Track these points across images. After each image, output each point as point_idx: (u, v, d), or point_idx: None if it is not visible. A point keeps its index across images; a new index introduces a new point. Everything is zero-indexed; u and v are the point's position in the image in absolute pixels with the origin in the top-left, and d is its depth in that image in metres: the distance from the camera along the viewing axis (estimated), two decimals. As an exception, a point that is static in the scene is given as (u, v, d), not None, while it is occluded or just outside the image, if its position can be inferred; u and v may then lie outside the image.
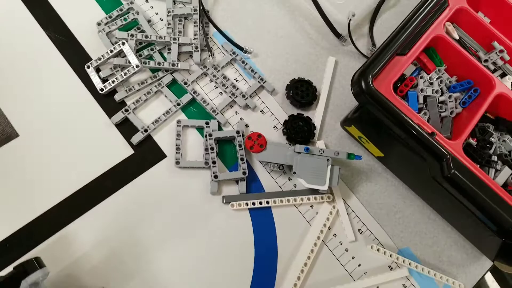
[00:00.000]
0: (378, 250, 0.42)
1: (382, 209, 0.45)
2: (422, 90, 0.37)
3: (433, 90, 0.38)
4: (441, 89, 0.38)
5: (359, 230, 0.44)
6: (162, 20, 0.47)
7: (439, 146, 0.33)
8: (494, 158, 0.36)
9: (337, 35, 0.50)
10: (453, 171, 0.32)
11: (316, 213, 0.43)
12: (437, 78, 0.38)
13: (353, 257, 0.42)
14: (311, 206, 0.43)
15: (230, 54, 0.47)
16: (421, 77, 0.38)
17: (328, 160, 0.41)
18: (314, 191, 0.43)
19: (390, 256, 0.42)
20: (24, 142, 0.40)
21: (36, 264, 0.31)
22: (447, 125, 0.37)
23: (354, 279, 0.42)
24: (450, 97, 0.38)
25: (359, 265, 0.42)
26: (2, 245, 0.37)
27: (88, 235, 0.39)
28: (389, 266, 0.43)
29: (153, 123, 0.43)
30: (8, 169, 0.39)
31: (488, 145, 0.36)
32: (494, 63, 0.41)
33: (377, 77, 0.35)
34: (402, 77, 0.38)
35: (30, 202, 0.39)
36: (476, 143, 0.37)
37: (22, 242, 0.37)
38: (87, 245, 0.38)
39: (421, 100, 0.37)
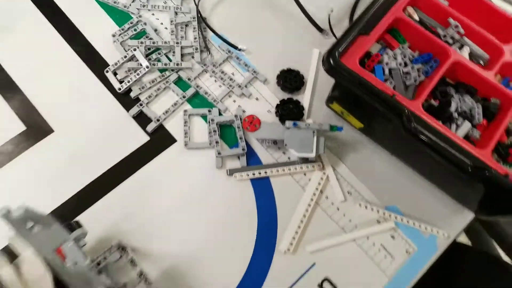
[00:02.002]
0: (366, 207, 0.48)
1: (367, 173, 0.51)
2: (387, 63, 0.44)
3: (397, 63, 0.44)
4: (404, 62, 0.45)
5: (348, 192, 0.50)
6: (166, 28, 0.55)
7: (399, 104, 0.39)
8: (455, 115, 0.42)
9: (320, 30, 0.57)
10: (413, 124, 0.38)
11: (309, 180, 0.49)
12: (401, 53, 0.45)
13: (344, 215, 0.48)
14: (304, 174, 0.50)
15: (226, 53, 0.54)
16: (386, 54, 0.45)
17: (313, 131, 0.47)
18: (306, 161, 0.49)
19: (378, 211, 0.48)
20: (59, 136, 0.49)
21: (77, 225, 0.39)
22: (410, 91, 0.44)
23: (346, 232, 0.48)
24: (412, 68, 0.44)
25: (350, 221, 0.48)
26: (54, 212, 0.45)
27: (117, 207, 0.46)
28: (377, 221, 0.49)
29: (163, 113, 0.50)
30: (48, 157, 0.47)
31: (449, 105, 0.42)
32: (452, 38, 0.47)
33: (345, 55, 0.41)
34: (369, 54, 0.45)
35: (71, 181, 0.46)
36: (438, 104, 0.43)
37: (65, 213, 0.45)
38: (118, 214, 0.45)
39: (386, 72, 0.44)
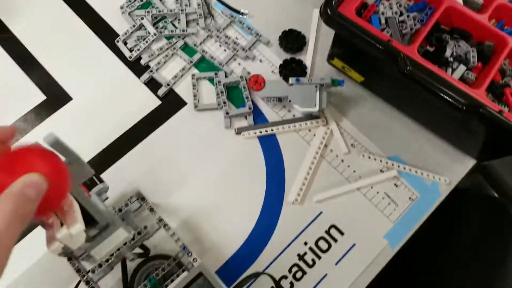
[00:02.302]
0: (369, 157, 0.50)
1: (370, 126, 0.52)
2: (383, 13, 0.45)
3: (392, 12, 0.45)
4: (400, 11, 0.46)
5: (352, 144, 0.52)
6: (171, -2, 0.58)
7: (394, 49, 0.41)
8: (451, 59, 0.44)
9: (319, -9, 0.59)
10: (409, 67, 0.40)
11: (314, 135, 0.52)
12: (396, 3, 0.46)
13: (348, 166, 0.51)
14: (309, 130, 0.52)
15: (229, 18, 0.56)
16: (382, 4, 0.46)
17: (316, 86, 0.49)
18: (310, 117, 0.52)
19: (381, 161, 0.50)
20: (77, 103, 0.52)
21: (98, 180, 0.42)
22: (406, 39, 0.45)
23: (351, 182, 0.50)
24: (408, 16, 0.45)
25: (354, 171, 0.50)
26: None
27: (135, 166, 0.49)
28: (381, 170, 0.51)
29: (173, 78, 0.53)
30: (69, 123, 0.51)
31: (444, 51, 0.44)
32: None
33: (342, 5, 0.43)
34: (365, 5, 0.46)
35: (91, 144, 0.50)
36: (433, 50, 0.44)
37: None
38: (136, 172, 0.49)
39: (382, 21, 0.45)
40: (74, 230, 0.27)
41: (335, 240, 0.48)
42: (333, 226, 0.48)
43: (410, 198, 0.50)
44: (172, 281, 0.38)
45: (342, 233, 0.48)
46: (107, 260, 0.38)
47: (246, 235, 0.48)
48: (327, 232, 0.48)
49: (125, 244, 0.37)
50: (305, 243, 0.48)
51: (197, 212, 0.48)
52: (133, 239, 0.39)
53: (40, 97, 0.52)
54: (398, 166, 0.50)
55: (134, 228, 0.40)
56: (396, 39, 0.44)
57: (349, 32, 0.42)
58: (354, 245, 0.48)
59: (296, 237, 0.48)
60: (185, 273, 0.38)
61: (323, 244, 0.48)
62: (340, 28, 0.43)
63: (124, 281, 0.44)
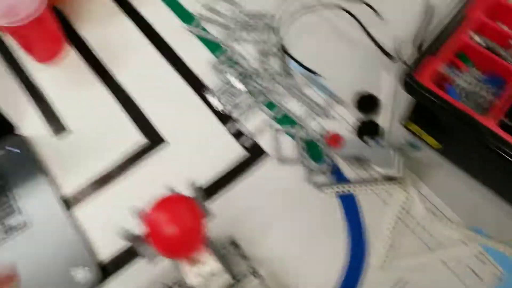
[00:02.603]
0: (450, 226, 0.52)
1: (449, 193, 0.54)
2: (457, 84, 0.50)
3: (467, 83, 0.50)
4: (474, 83, 0.50)
5: (431, 211, 0.53)
6: (254, 58, 0.63)
7: (476, 121, 0.45)
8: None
9: (389, 56, 0.64)
10: (491, 140, 0.44)
11: (392, 197, 0.54)
12: (470, 75, 0.51)
13: (427, 232, 0.52)
14: (387, 192, 0.55)
15: (307, 78, 0.62)
16: (456, 75, 0.51)
17: (394, 149, 0.53)
18: (388, 179, 0.55)
19: (462, 231, 0.52)
20: (171, 147, 0.58)
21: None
22: (481, 110, 0.49)
23: (431, 249, 0.51)
24: (481, 88, 0.50)
25: (434, 238, 0.52)
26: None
27: (220, 213, 0.51)
28: (462, 241, 0.51)
29: (257, 131, 0.58)
30: (164, 165, 0.56)
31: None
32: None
33: (420, 76, 0.47)
34: (441, 75, 0.51)
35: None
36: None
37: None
38: (220, 219, 0.49)
39: (458, 91, 0.50)
40: (216, 268, 0.31)
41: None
42: (416, 295, 0.50)
43: (495, 275, 0.50)
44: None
45: (425, 303, 0.49)
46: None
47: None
48: (410, 301, 0.50)
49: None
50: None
51: (279, 264, 0.51)
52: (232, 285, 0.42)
53: (139, 138, 0.58)
54: (480, 238, 0.52)
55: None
56: (475, 111, 0.48)
57: (430, 102, 0.47)
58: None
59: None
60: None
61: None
62: (421, 97, 0.47)
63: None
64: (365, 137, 0.56)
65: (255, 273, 0.45)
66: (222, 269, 0.31)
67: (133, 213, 0.31)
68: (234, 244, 0.47)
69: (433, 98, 0.47)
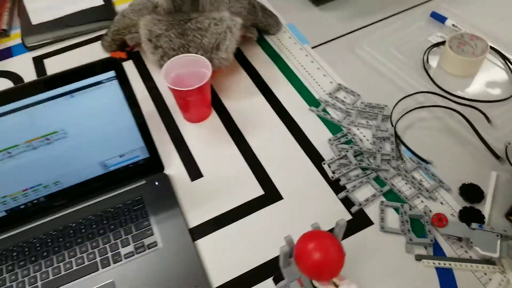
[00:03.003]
0: (550, 316, 0.52)
1: (549, 285, 0.55)
2: None
3: None
4: None
5: (529, 298, 0.55)
6: (368, 140, 0.73)
7: None
8: None
9: (497, 157, 0.69)
10: None
11: (490, 279, 0.56)
12: None
13: (526, 318, 0.53)
14: (485, 274, 0.57)
15: (416, 164, 0.69)
16: None
17: (497, 235, 0.56)
18: (487, 262, 0.57)
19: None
20: (286, 203, 0.66)
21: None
22: None
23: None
24: None
25: (532, 326, 0.52)
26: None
27: None
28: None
29: (364, 201, 0.65)
30: (277, 216, 0.65)
31: None
32: None
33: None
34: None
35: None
36: None
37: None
38: None
39: None
40: (353, 287, 0.37)
41: None
42: None
43: None
44: None
45: None
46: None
47: None
48: None
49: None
50: None
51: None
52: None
53: (259, 191, 0.68)
54: None
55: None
56: None
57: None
58: None
59: None
60: None
61: None
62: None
63: None
64: (467, 222, 0.59)
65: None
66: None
67: (286, 240, 0.39)
68: None
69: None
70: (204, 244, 0.63)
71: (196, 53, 0.74)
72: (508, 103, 0.75)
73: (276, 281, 0.52)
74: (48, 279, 0.60)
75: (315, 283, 0.39)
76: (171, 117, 0.80)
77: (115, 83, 0.59)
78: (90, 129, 0.62)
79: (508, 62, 0.81)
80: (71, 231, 0.65)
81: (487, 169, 0.68)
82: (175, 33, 0.72)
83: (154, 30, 0.73)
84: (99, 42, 0.93)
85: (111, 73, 0.58)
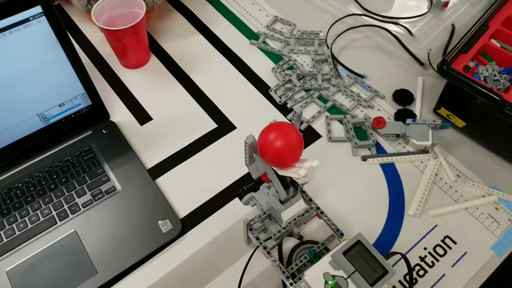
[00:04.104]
0: (473, 184, 0.61)
1: (471, 162, 0.65)
2: (481, 73, 0.61)
3: (489, 73, 0.61)
4: (494, 73, 0.61)
5: (457, 175, 0.63)
6: (308, 65, 0.77)
7: (496, 94, 0.55)
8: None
9: (421, 64, 0.76)
10: (508, 107, 0.54)
11: (426, 166, 0.64)
12: (491, 67, 0.62)
13: (456, 191, 0.62)
14: (421, 162, 0.65)
15: (353, 79, 0.74)
16: (480, 67, 0.62)
17: (429, 126, 0.63)
18: (422, 152, 0.65)
19: (483, 188, 0.61)
20: (240, 132, 0.69)
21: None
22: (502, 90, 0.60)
23: (456, 202, 0.61)
24: (501, 76, 0.61)
25: (461, 195, 0.61)
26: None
27: None
28: (483, 196, 0.61)
29: (311, 118, 0.70)
30: (233, 146, 0.67)
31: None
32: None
33: (452, 65, 0.59)
34: (468, 67, 0.62)
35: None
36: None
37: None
38: None
39: (482, 79, 0.61)
40: (315, 163, 0.41)
41: (450, 248, 0.57)
42: (447, 236, 0.58)
43: (509, 220, 0.59)
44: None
45: (455, 243, 0.58)
46: (284, 228, 0.50)
47: (373, 240, 0.58)
48: (442, 241, 0.58)
49: (302, 214, 0.50)
50: (425, 248, 0.57)
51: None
52: (303, 214, 0.51)
53: (212, 125, 0.70)
54: (498, 193, 0.61)
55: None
56: (495, 90, 0.59)
57: (461, 82, 0.58)
58: (466, 253, 0.57)
59: (417, 243, 0.58)
60: (345, 241, 0.48)
61: (439, 250, 0.57)
62: (454, 79, 0.58)
63: (280, 260, 0.55)
64: (402, 120, 0.66)
65: (322, 212, 0.53)
66: (318, 164, 0.41)
67: (246, 140, 0.41)
68: (301, 189, 0.55)
69: (463, 79, 0.58)
70: (165, 181, 0.64)
71: (127, -7, 0.71)
72: (425, 17, 0.83)
73: (241, 197, 0.55)
74: (2, 242, 0.58)
75: (280, 172, 0.42)
76: (107, 66, 0.78)
77: (43, 20, 0.55)
78: (22, 77, 0.58)
79: (421, -18, 0.89)
80: (18, 192, 0.62)
81: (414, 75, 0.75)
82: (100, -28, 0.69)
83: (77, -29, 0.69)
84: (14, -3, 0.85)
85: (38, 9, 0.54)
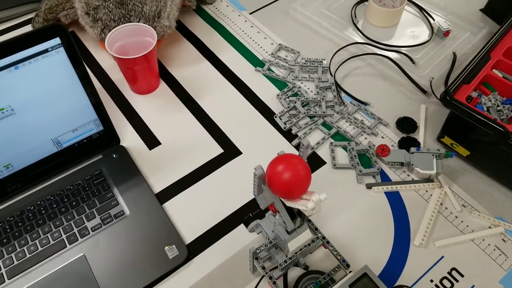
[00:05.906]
0: (479, 215, 0.62)
1: (476, 191, 0.65)
2: (484, 103, 0.62)
3: (492, 103, 0.62)
4: (496, 103, 0.63)
5: (463, 205, 0.64)
6: (312, 91, 0.79)
7: (499, 125, 0.56)
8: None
9: (424, 92, 0.78)
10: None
11: (431, 195, 0.65)
12: (493, 97, 0.63)
13: (461, 221, 0.62)
14: (426, 191, 0.65)
15: (357, 106, 0.76)
16: (483, 97, 0.63)
17: (433, 155, 0.64)
18: (427, 180, 0.65)
19: (489, 219, 0.61)
20: (246, 157, 0.70)
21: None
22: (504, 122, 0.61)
23: (462, 232, 0.61)
24: (504, 107, 0.62)
25: (467, 226, 0.62)
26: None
27: None
28: (489, 227, 0.61)
29: (316, 144, 0.71)
30: (241, 170, 0.68)
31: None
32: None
33: (455, 95, 0.61)
34: (471, 98, 0.63)
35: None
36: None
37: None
38: None
39: (485, 109, 0.62)
40: (322, 197, 0.42)
41: (457, 281, 0.57)
42: (453, 268, 0.58)
43: None
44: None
45: (462, 275, 0.57)
46: (290, 258, 0.51)
47: (379, 271, 0.58)
48: (449, 273, 0.58)
49: (308, 244, 0.50)
50: (431, 280, 0.57)
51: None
52: (309, 244, 0.51)
53: (218, 150, 0.71)
54: (504, 224, 0.61)
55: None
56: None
57: (464, 113, 0.59)
58: (473, 286, 0.57)
59: (423, 275, 0.58)
60: (351, 273, 0.49)
61: (446, 283, 0.57)
62: (457, 110, 0.59)
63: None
64: (406, 149, 0.67)
65: (327, 242, 0.53)
66: (325, 197, 0.41)
67: (255, 171, 0.42)
68: (306, 218, 0.56)
69: (465, 110, 0.59)
70: (172, 205, 0.65)
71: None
72: (427, 46, 0.85)
73: (246, 224, 0.56)
74: (12, 265, 0.59)
75: (288, 203, 0.43)
76: (118, 92, 0.80)
77: (61, 51, 0.58)
78: (39, 103, 0.60)
79: (423, 11, 0.91)
80: (30, 214, 0.63)
81: (417, 103, 0.77)
82: (113, 3, 0.72)
83: (91, 2, 0.72)
84: (29, 25, 0.88)
85: (56, 40, 0.57)
